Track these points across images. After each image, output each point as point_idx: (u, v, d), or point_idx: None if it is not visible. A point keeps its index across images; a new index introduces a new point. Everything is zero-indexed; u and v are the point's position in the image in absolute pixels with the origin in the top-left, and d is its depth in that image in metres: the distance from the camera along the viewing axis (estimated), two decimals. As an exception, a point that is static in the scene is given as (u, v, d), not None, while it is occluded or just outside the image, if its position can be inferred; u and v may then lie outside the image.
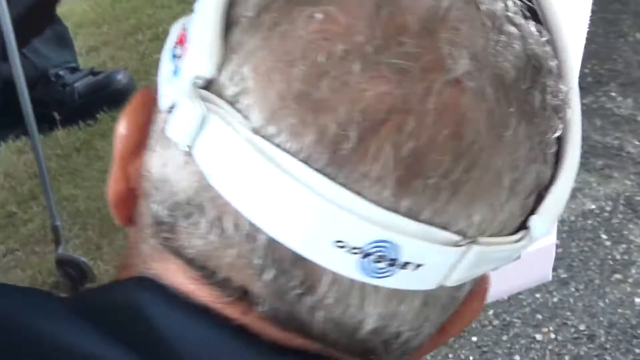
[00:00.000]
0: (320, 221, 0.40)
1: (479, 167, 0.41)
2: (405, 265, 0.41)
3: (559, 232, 2.40)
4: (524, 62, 0.43)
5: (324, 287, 0.42)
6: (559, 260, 2.29)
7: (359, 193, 0.40)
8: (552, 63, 0.45)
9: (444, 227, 0.41)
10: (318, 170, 0.40)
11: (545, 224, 0.44)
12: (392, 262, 0.41)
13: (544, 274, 1.12)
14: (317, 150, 0.40)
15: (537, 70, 0.44)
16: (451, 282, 0.43)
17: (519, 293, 2.12)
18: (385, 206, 0.40)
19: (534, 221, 0.44)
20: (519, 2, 0.45)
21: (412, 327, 0.45)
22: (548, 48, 0.45)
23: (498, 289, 1.13)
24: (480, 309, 0.52)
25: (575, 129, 0.47)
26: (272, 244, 0.41)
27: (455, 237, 0.42)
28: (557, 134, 0.45)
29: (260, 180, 0.40)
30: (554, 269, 2.24)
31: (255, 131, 0.40)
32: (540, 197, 0.45)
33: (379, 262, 0.41)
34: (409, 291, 0.43)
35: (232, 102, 0.41)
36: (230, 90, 0.41)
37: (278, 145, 0.40)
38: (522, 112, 0.43)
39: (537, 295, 2.19)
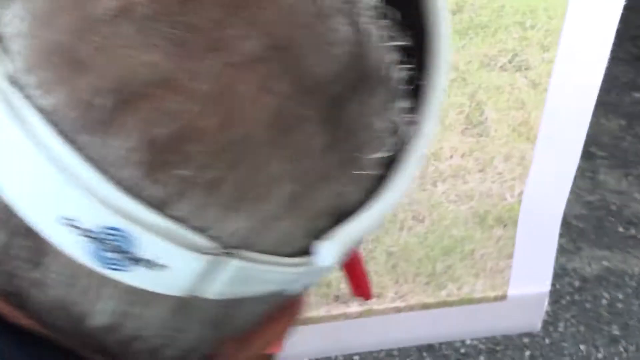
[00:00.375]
0: (52, 191, 0.36)
1: (246, 169, 0.35)
2: (143, 262, 0.36)
3: (624, 286, 2.26)
4: (345, 66, 0.37)
5: (51, 266, 0.38)
6: (616, 315, 2.15)
7: (100, 169, 0.35)
8: (393, 74, 0.39)
9: (198, 230, 0.36)
10: (62, 134, 0.35)
11: (332, 253, 0.38)
12: (128, 256, 0.36)
13: (532, 322, 1.03)
14: (65, 113, 0.35)
15: (363, 79, 0.38)
16: (210, 294, 0.38)
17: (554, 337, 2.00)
18: (127, 191, 0.35)
19: (320, 247, 0.38)
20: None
21: (160, 334, 0.40)
22: (392, 57, 0.39)
23: (477, 327, 1.05)
24: (284, 333, 0.46)
25: (414, 155, 0.40)
26: (8, 207, 0.37)
27: (209, 244, 0.36)
28: (379, 156, 0.39)
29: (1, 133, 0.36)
30: (608, 323, 2.11)
31: (13, 78, 0.36)
32: (340, 222, 0.38)
33: (112, 252, 0.36)
34: (154, 294, 0.37)
35: (4, 43, 0.37)
36: (7, 30, 0.37)
37: (29, 98, 0.35)
38: (327, 120, 0.37)
39: (581, 347, 2.07)
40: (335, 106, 0.37)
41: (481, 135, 0.95)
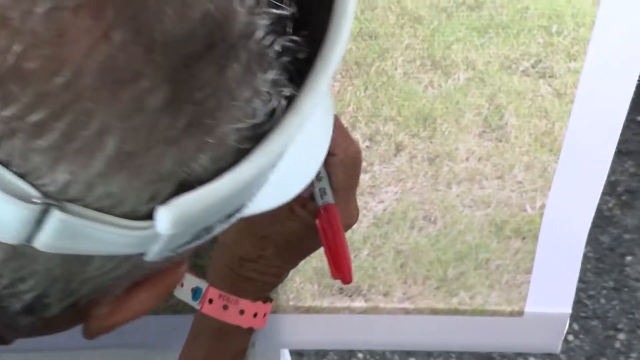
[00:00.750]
0: None
1: (72, 118, 0.35)
2: None
3: None
4: (201, 25, 0.36)
5: None
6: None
7: None
8: (265, 42, 0.38)
9: (22, 176, 0.36)
10: None
11: (167, 220, 0.38)
12: None
13: (553, 343, 0.99)
14: None
15: (222, 42, 0.37)
16: (39, 245, 0.38)
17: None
18: None
19: (159, 212, 0.38)
20: None
21: None
22: (267, 24, 0.38)
23: (490, 340, 1.02)
24: (154, 303, 0.46)
25: (283, 132, 0.39)
26: None
27: (32, 192, 0.36)
28: (239, 126, 0.38)
29: None
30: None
31: None
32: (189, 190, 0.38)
33: None
34: None
35: None
36: None
37: None
38: (171, 79, 0.36)
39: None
40: (185, 66, 0.36)
41: (500, 141, 0.91)
